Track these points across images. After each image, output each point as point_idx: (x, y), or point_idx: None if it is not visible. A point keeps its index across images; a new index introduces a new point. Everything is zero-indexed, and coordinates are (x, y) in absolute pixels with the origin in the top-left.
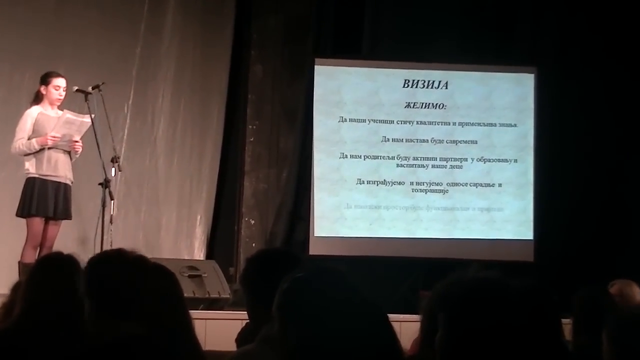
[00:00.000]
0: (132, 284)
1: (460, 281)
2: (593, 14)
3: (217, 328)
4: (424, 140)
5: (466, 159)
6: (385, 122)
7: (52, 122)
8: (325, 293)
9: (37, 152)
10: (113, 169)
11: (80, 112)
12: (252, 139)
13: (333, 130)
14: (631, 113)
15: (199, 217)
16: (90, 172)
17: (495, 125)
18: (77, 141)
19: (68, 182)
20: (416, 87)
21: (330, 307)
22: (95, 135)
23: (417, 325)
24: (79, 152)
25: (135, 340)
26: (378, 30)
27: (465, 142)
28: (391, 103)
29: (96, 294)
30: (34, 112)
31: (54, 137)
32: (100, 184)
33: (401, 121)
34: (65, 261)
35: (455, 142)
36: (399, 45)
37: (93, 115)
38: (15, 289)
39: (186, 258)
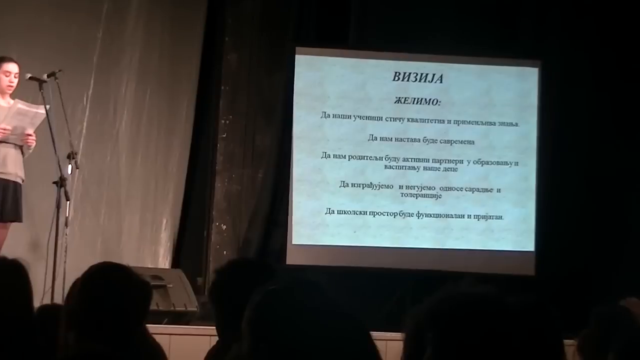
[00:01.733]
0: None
1: (451, 296)
2: (602, 4)
3: (183, 344)
4: (415, 140)
5: (462, 161)
6: (372, 118)
7: (2, 112)
8: (301, 308)
9: None
10: (70, 167)
11: (34, 102)
12: (224, 135)
13: (315, 126)
14: None
15: (164, 221)
16: (44, 169)
17: (494, 124)
18: (29, 135)
19: (18, 180)
20: (407, 80)
21: (306, 324)
22: (51, 128)
23: None
24: (32, 146)
25: (97, 357)
26: (366, 16)
27: (461, 142)
28: (379, 98)
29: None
30: None
31: (4, 129)
32: (54, 182)
33: (390, 118)
34: (10, 267)
35: (449, 142)
36: (389, 33)
37: (48, 106)
38: None
39: (149, 266)
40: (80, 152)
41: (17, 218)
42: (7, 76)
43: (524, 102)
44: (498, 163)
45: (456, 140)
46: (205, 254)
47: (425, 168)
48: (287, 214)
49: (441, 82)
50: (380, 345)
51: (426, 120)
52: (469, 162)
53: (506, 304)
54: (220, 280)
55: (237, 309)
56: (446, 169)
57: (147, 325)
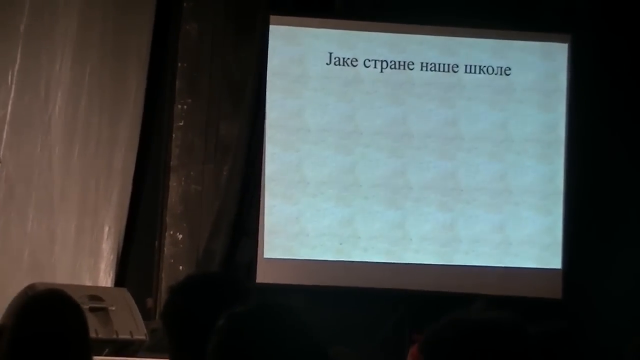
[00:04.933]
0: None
1: (458, 323)
2: None
3: None
4: (416, 130)
5: (473, 157)
6: (364, 104)
7: None
8: (272, 336)
9: None
10: None
11: None
12: (181, 123)
13: (293, 113)
14: None
15: (106, 228)
16: None
17: (513, 112)
18: None
19: None
20: None
21: (276, 355)
22: None
23: None
24: None
25: None
26: None
27: (473, 133)
28: (372, 78)
29: None
30: None
31: None
32: None
33: (386, 103)
34: None
35: (458, 133)
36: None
37: None
38: None
39: (88, 284)
40: (3, 143)
41: None
42: None
43: (551, 86)
44: (518, 160)
45: (466, 132)
46: (156, 269)
47: (428, 165)
48: (258, 221)
49: (448, 60)
50: None
51: (430, 107)
52: (481, 159)
53: (527, 332)
54: (176, 300)
55: (197, 336)
56: (454, 167)
57: None
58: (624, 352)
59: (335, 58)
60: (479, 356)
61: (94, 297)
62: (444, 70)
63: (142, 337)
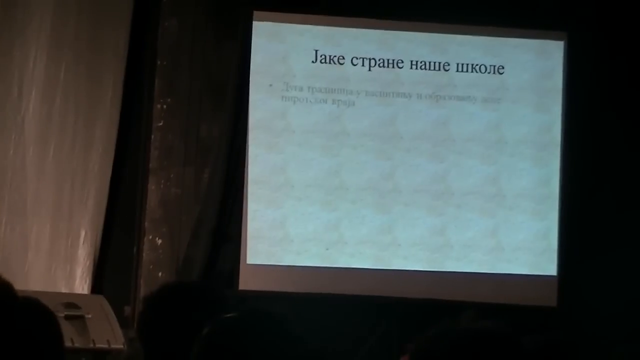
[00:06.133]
0: None
1: (449, 333)
2: None
3: None
4: (405, 131)
5: (465, 159)
6: (351, 104)
7: None
8: (259, 344)
9: None
10: None
11: None
12: (161, 124)
13: (277, 113)
14: None
15: (83, 233)
16: None
17: (507, 112)
18: None
19: None
20: None
21: None
22: None
23: None
24: None
25: None
26: None
27: (464, 135)
28: (360, 77)
29: None
30: None
31: None
32: None
33: (374, 103)
34: None
35: (449, 134)
36: None
37: None
38: None
39: (63, 291)
40: None
41: None
42: None
43: (546, 85)
44: (511, 162)
45: (457, 133)
46: (134, 276)
47: (417, 168)
48: (241, 226)
49: (439, 58)
50: None
51: (420, 107)
52: (474, 161)
53: (521, 343)
54: (153, 309)
55: (174, 347)
56: (445, 169)
57: None
58: None
59: (321, 56)
60: None
61: (69, 305)
62: (434, 69)
63: (120, 346)
